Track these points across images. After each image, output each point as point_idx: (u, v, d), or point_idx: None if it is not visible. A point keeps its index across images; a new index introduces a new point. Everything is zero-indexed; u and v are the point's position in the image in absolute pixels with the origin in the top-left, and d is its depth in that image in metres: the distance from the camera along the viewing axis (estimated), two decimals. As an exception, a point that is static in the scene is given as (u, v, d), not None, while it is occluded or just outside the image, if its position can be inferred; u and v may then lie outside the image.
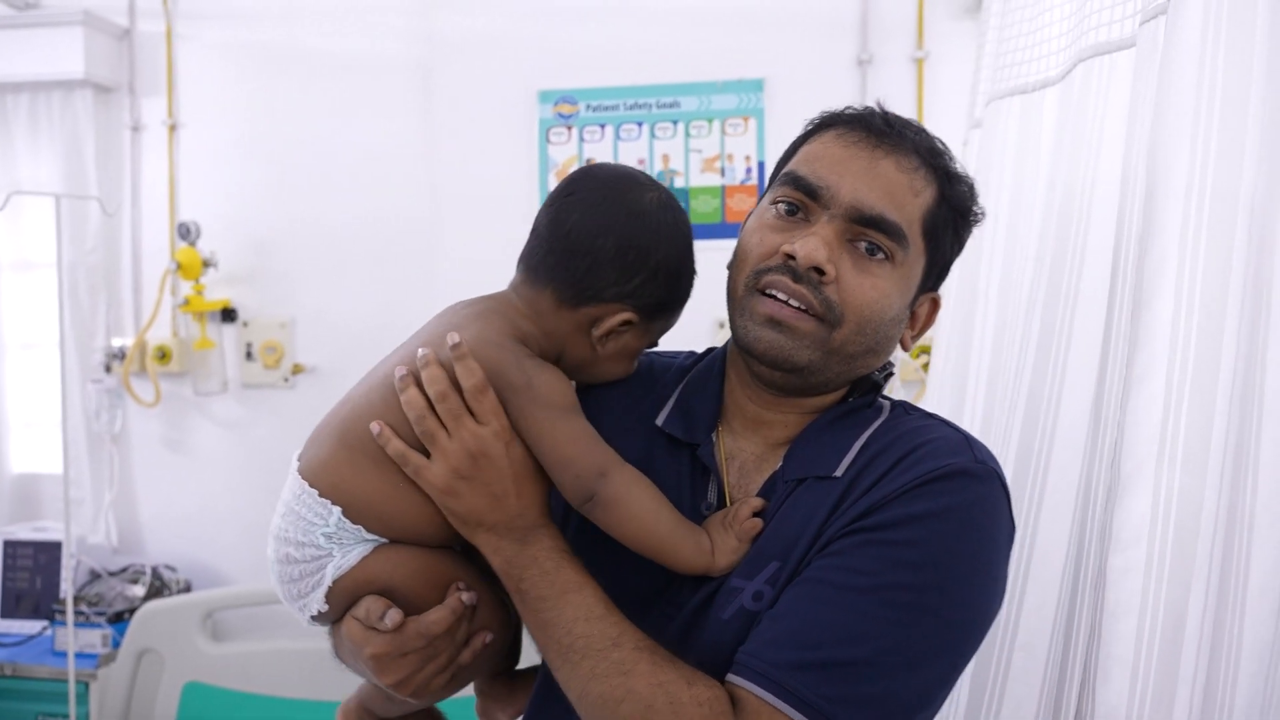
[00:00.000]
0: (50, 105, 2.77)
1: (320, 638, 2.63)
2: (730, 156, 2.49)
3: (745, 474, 0.93)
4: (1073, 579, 1.02)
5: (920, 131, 0.90)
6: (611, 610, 0.83)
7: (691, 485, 0.93)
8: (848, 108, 0.92)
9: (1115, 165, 1.05)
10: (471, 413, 0.86)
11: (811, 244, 0.84)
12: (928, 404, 1.83)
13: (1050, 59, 1.31)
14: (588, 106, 2.54)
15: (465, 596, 0.89)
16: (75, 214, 2.73)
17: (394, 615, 0.86)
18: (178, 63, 2.79)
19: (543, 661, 0.91)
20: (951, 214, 0.90)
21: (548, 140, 2.56)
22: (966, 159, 1.78)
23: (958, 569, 0.81)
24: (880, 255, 0.86)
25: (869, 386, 0.94)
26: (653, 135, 2.52)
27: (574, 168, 2.53)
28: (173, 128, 2.79)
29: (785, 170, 0.92)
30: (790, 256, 0.85)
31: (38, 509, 2.94)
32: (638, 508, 0.86)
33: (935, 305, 0.96)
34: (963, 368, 1.74)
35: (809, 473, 0.88)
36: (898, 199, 0.86)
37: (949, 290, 1.76)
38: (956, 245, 0.93)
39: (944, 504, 0.81)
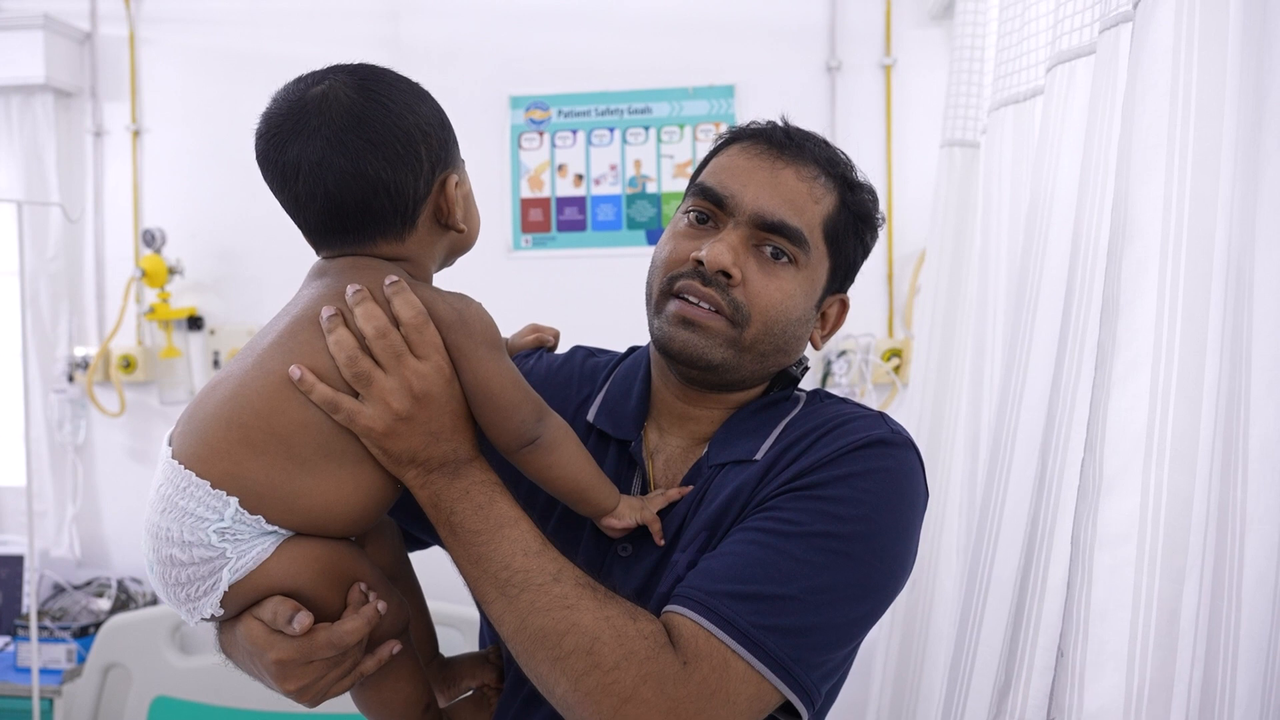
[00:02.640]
0: (9, 110, 2.71)
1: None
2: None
3: (671, 465, 1.00)
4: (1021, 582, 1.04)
5: (821, 144, 0.98)
6: (548, 546, 0.84)
7: (617, 478, 0.98)
8: (752, 122, 1.00)
9: (1075, 172, 1.07)
10: (411, 350, 0.82)
11: (718, 249, 0.91)
12: (908, 404, 1.86)
13: (1038, 68, 1.33)
14: (559, 112, 2.54)
15: (381, 606, 0.84)
16: (36, 221, 2.68)
17: (303, 619, 0.79)
18: (141, 67, 2.75)
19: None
20: (853, 219, 0.98)
21: (519, 146, 2.55)
22: (949, 173, 1.80)
23: (880, 522, 0.88)
24: (784, 259, 0.94)
25: (787, 381, 1.01)
26: (624, 141, 2.52)
27: (545, 173, 2.54)
28: (136, 133, 2.75)
29: (695, 182, 0.98)
30: (700, 262, 0.91)
31: (-3, 522, 2.88)
32: (570, 452, 0.89)
33: (844, 306, 1.04)
34: (944, 372, 1.76)
35: (731, 458, 0.95)
36: (798, 205, 0.93)
37: (930, 296, 1.79)
38: (861, 249, 1.01)
39: (868, 466, 0.89)
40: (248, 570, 0.80)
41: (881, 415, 0.96)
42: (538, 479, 0.89)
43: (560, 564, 0.82)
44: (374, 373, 0.81)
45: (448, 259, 0.94)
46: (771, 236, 0.93)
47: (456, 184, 0.89)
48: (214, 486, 0.79)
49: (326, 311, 0.82)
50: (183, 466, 0.81)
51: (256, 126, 0.87)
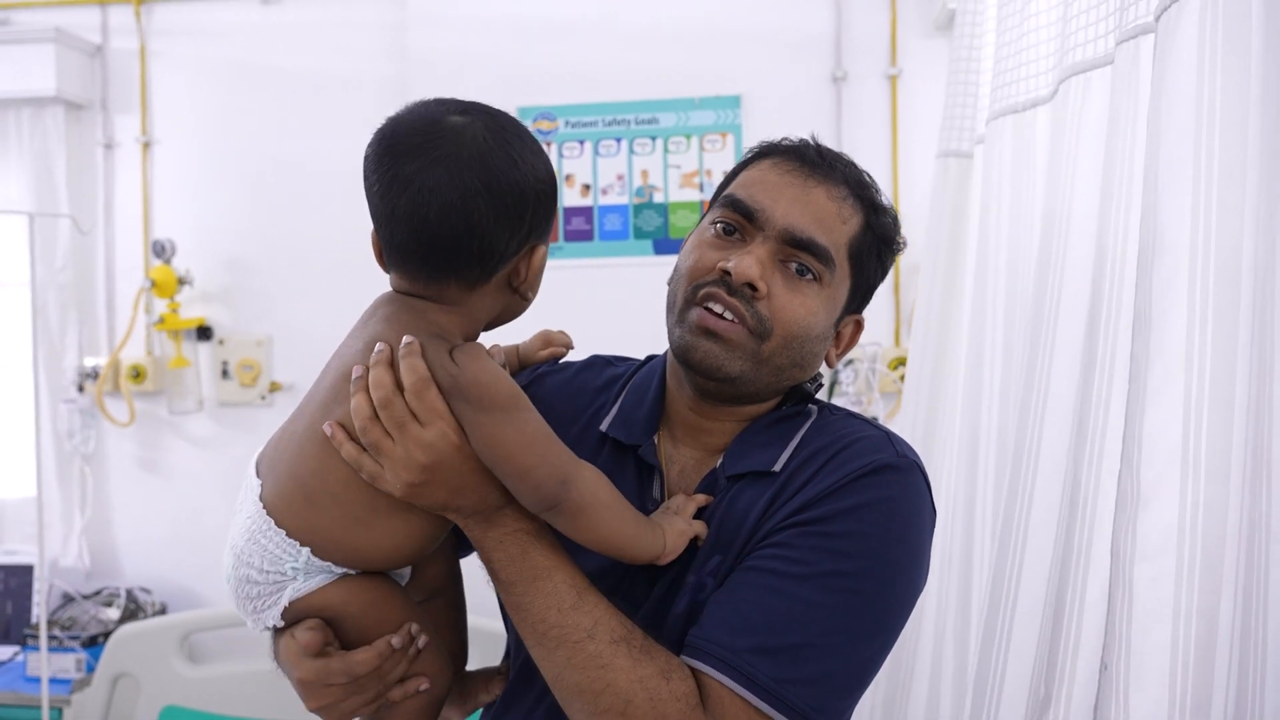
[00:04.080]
0: (20, 122, 2.74)
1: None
2: (709, 172, 2.51)
3: (685, 475, 0.99)
4: (1057, 591, 1.03)
5: (850, 165, 0.99)
6: (584, 596, 0.84)
7: (638, 485, 0.99)
8: (784, 139, 1.00)
9: (1095, 183, 1.07)
10: (416, 416, 0.82)
11: (746, 262, 0.91)
12: (903, 416, 1.86)
13: (1041, 77, 1.33)
14: (566, 123, 2.55)
15: (395, 640, 0.87)
16: (45, 232, 2.70)
17: (305, 637, 0.86)
18: (151, 80, 2.78)
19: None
20: (876, 241, 0.98)
21: (526, 156, 2.56)
22: (944, 183, 1.80)
23: (887, 555, 0.88)
24: (809, 276, 0.94)
25: (800, 396, 1.01)
26: (631, 151, 2.53)
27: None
28: (146, 145, 2.77)
29: (725, 193, 0.99)
30: (726, 272, 0.92)
31: (2, 533, 2.88)
32: (605, 512, 0.85)
33: (859, 326, 1.04)
34: (938, 381, 1.76)
35: (747, 468, 0.94)
36: (827, 225, 0.94)
37: (925, 305, 1.79)
38: (880, 271, 1.01)
39: (872, 497, 0.89)
40: (306, 593, 0.88)
41: (888, 435, 0.96)
42: (573, 539, 0.86)
43: (595, 618, 0.83)
44: (383, 442, 0.82)
45: (497, 320, 0.93)
46: (799, 253, 0.93)
47: (537, 254, 0.90)
48: (289, 535, 0.86)
49: (356, 372, 0.84)
50: (265, 512, 0.87)
51: (381, 126, 0.85)
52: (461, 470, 0.83)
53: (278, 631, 0.91)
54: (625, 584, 0.94)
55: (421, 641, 0.90)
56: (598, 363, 1.13)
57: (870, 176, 1.00)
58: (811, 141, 1.00)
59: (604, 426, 1.02)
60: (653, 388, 1.03)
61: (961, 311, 1.66)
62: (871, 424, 0.98)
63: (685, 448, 1.00)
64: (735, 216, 0.95)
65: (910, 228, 2.46)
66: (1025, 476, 1.12)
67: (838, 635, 0.85)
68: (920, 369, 1.79)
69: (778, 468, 0.93)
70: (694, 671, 0.84)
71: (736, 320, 0.92)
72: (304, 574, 0.87)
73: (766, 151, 1.00)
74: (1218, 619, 0.80)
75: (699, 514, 0.94)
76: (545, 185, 0.86)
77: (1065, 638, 0.98)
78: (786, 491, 0.91)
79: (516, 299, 0.92)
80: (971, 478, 1.53)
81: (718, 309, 0.92)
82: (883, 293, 2.50)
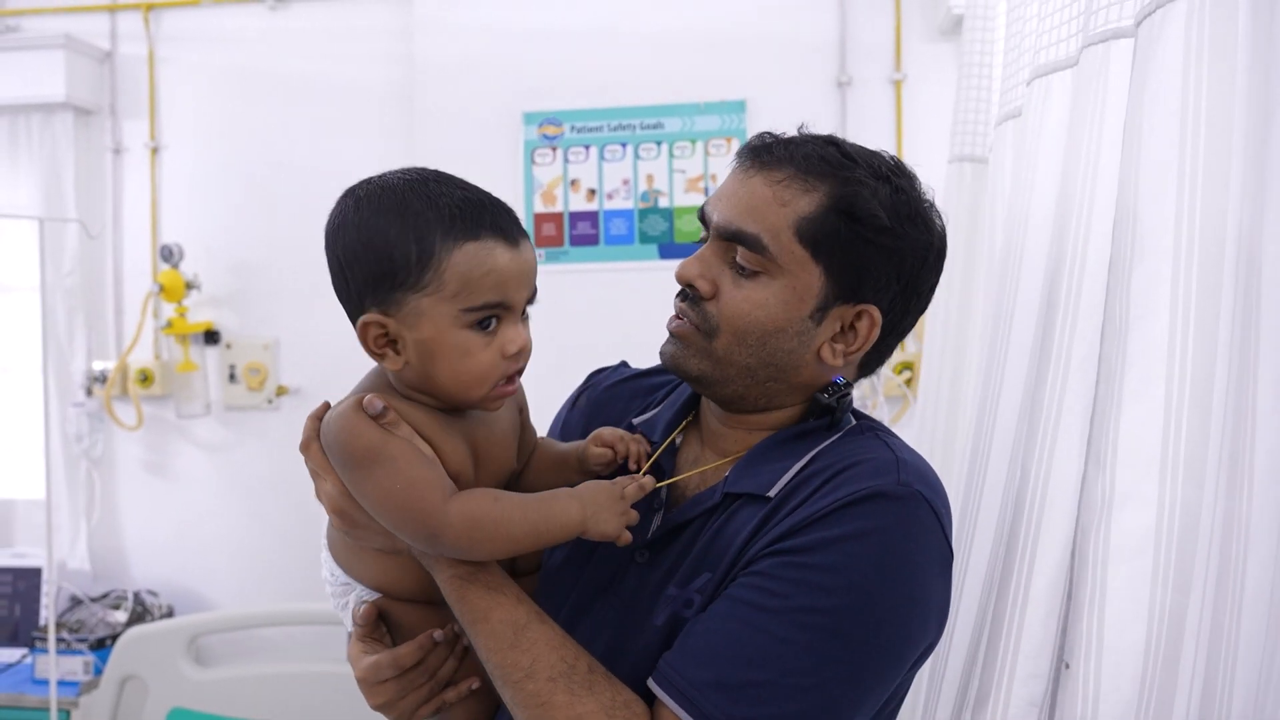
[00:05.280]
0: (30, 128, 2.76)
1: (308, 661, 2.61)
2: (714, 177, 2.52)
3: (704, 478, 0.98)
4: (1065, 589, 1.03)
5: (810, 143, 0.92)
6: (522, 634, 0.84)
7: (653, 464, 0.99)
8: (753, 137, 0.98)
9: (1053, 186, 1.07)
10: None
11: (687, 265, 0.94)
12: (918, 420, 1.86)
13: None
14: (572, 128, 2.56)
15: (436, 634, 0.92)
16: (54, 237, 2.71)
17: (366, 610, 0.94)
18: (159, 86, 2.79)
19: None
20: (844, 218, 0.88)
21: (533, 161, 2.58)
22: (958, 189, 1.80)
23: (872, 593, 0.81)
24: (751, 270, 0.91)
25: (821, 410, 0.94)
26: (637, 156, 2.54)
27: (558, 188, 2.56)
28: (154, 150, 2.78)
29: None
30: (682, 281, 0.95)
31: (10, 535, 2.90)
32: (490, 538, 0.84)
33: (869, 318, 0.92)
34: (956, 388, 1.75)
35: (745, 489, 0.91)
36: (758, 211, 0.90)
37: (941, 311, 1.78)
38: (876, 251, 0.89)
39: (860, 528, 0.82)
40: (370, 599, 0.95)
41: (898, 460, 0.87)
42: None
43: (533, 655, 0.83)
44: (319, 492, 0.92)
45: (431, 395, 0.89)
46: (735, 246, 0.92)
47: (385, 330, 0.86)
48: (335, 559, 0.97)
49: None
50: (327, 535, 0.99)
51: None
52: (369, 518, 0.88)
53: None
54: (608, 592, 0.95)
55: (466, 640, 0.92)
56: (650, 373, 1.16)
57: (846, 153, 0.91)
58: (773, 135, 0.95)
59: (635, 420, 1.06)
60: (687, 391, 1.05)
61: (977, 317, 1.66)
62: (891, 446, 0.90)
63: (709, 450, 1.00)
64: (701, 225, 0.97)
65: (915, 232, 2.48)
66: (978, 475, 1.12)
67: (806, 677, 0.79)
68: (939, 377, 1.78)
69: (772, 493, 0.89)
70: (658, 708, 0.82)
71: (685, 320, 0.94)
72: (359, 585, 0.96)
73: (737, 155, 0.99)
74: (1185, 618, 0.80)
75: (684, 531, 0.93)
76: (350, 250, 0.86)
77: (1007, 633, 0.97)
78: (778, 514, 0.87)
79: (405, 366, 0.87)
80: (980, 484, 1.53)
81: (676, 313, 0.96)
82: (887, 297, 2.51)
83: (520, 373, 0.91)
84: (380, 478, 0.83)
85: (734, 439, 0.98)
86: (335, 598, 0.99)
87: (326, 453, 0.88)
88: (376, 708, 0.94)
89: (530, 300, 0.89)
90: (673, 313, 0.97)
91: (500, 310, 0.85)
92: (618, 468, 0.99)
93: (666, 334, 0.97)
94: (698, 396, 1.03)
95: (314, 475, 0.91)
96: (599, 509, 0.86)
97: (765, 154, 0.92)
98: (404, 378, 0.88)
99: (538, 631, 0.84)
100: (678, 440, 1.02)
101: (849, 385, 0.95)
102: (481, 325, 0.85)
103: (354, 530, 0.90)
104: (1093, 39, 0.98)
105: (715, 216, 0.93)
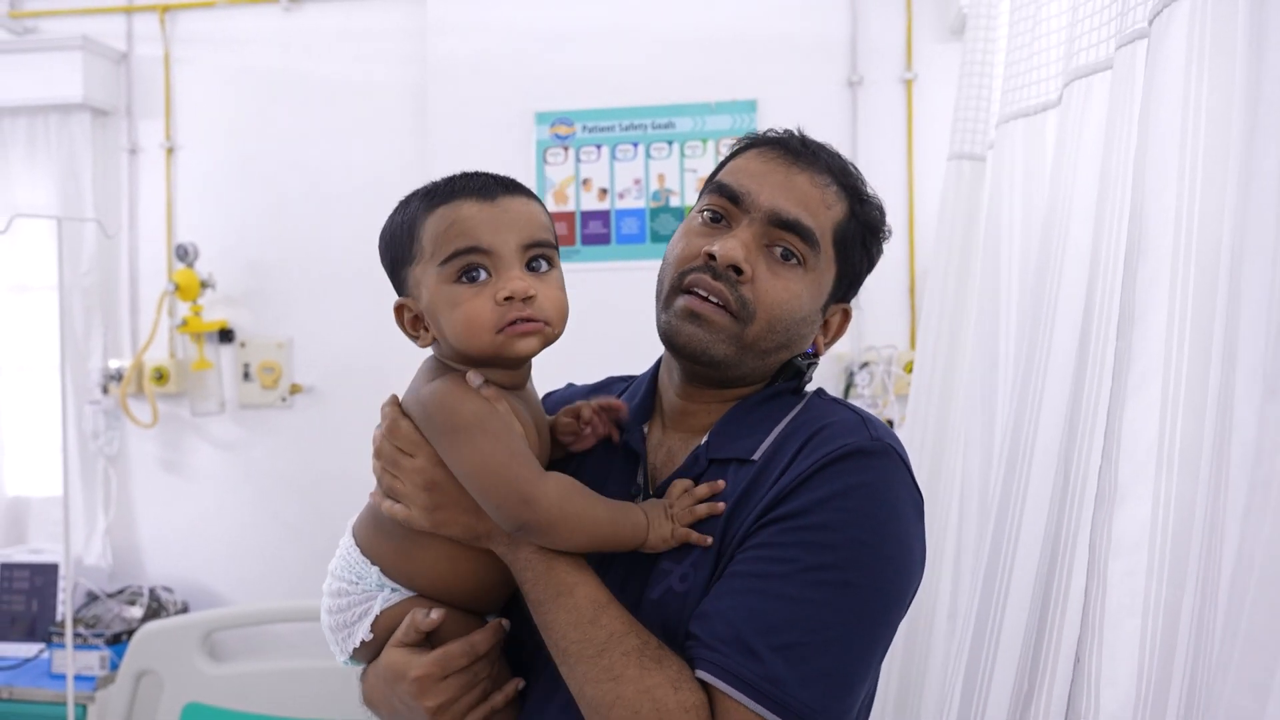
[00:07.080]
0: (48, 128, 2.78)
1: (321, 657, 2.60)
2: (724, 176, 2.52)
3: (671, 458, 1.00)
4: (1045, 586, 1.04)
5: (834, 155, 1.00)
6: (602, 611, 0.86)
7: (624, 470, 1.00)
8: (769, 130, 1.02)
9: (1092, 186, 1.08)
10: (403, 450, 0.91)
11: (730, 244, 0.93)
12: (910, 418, 1.86)
13: (1051, 81, 1.34)
14: (584, 128, 2.57)
15: (505, 623, 0.93)
16: (71, 236, 2.74)
17: (438, 612, 0.91)
18: (175, 86, 2.82)
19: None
20: (861, 230, 0.99)
21: (545, 161, 2.59)
22: (956, 186, 1.80)
23: (870, 542, 0.86)
24: (794, 260, 0.95)
25: (793, 373, 1.00)
26: (648, 155, 2.55)
27: (570, 188, 2.57)
28: (170, 150, 2.81)
29: (712, 181, 1.00)
30: (711, 256, 0.93)
31: (27, 532, 2.93)
32: (577, 522, 0.86)
33: (846, 316, 1.05)
34: (949, 383, 1.76)
35: (730, 454, 0.94)
36: (811, 208, 0.95)
37: (935, 308, 1.80)
38: (866, 261, 1.02)
39: (845, 483, 0.87)
40: (399, 600, 0.94)
41: (863, 419, 0.94)
42: (553, 548, 0.89)
43: (610, 631, 0.85)
44: (393, 483, 0.92)
45: (464, 359, 0.91)
46: (785, 235, 0.94)
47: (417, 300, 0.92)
48: (363, 553, 0.95)
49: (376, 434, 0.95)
50: (351, 529, 0.98)
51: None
52: (461, 491, 0.88)
53: (366, 666, 0.98)
54: (604, 567, 0.95)
55: (506, 624, 0.94)
56: (611, 381, 1.16)
57: (855, 167, 1.01)
58: (796, 133, 1.01)
59: None
60: (646, 382, 1.06)
61: (972, 314, 1.66)
62: (850, 408, 0.97)
63: (674, 433, 1.02)
64: (722, 202, 0.96)
65: (927, 230, 2.48)
66: (1020, 474, 1.12)
67: (831, 630, 0.83)
68: (930, 372, 1.79)
69: (756, 456, 0.93)
70: (712, 691, 0.83)
71: (720, 304, 0.93)
72: (391, 587, 0.95)
73: (753, 143, 1.01)
74: (1180, 612, 0.81)
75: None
76: (386, 234, 0.94)
77: (1050, 633, 0.98)
78: (763, 480, 0.90)
79: (433, 340, 0.93)
80: (987, 475, 1.53)
81: (702, 293, 0.93)
82: (898, 296, 2.52)
83: (531, 320, 0.88)
84: (482, 444, 0.85)
85: (703, 413, 1.00)
86: (345, 610, 0.96)
87: (420, 426, 0.89)
88: (433, 711, 0.91)
89: (531, 248, 0.89)
90: (686, 291, 0.94)
91: (476, 255, 0.87)
92: (621, 468, 1.01)
93: (677, 314, 0.94)
94: (656, 381, 1.05)
95: (392, 463, 0.91)
96: (655, 547, 0.90)
97: (806, 155, 0.97)
98: (442, 353, 0.93)
99: (616, 610, 0.86)
100: (645, 428, 1.04)
101: (817, 355, 1.03)
102: (467, 276, 0.87)
103: (437, 512, 0.89)
104: (1124, 39, 0.99)
105: (768, 203, 0.94)
